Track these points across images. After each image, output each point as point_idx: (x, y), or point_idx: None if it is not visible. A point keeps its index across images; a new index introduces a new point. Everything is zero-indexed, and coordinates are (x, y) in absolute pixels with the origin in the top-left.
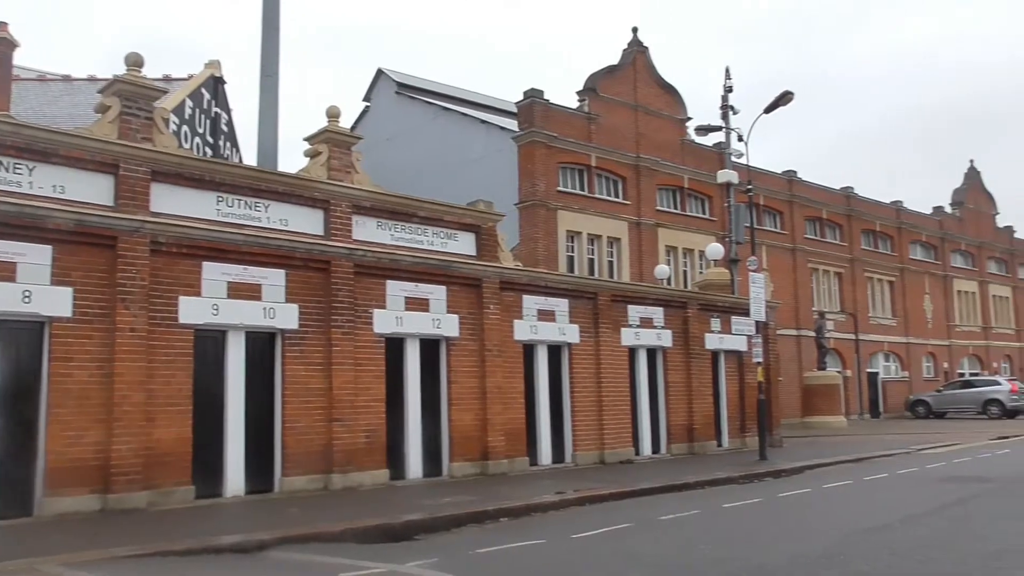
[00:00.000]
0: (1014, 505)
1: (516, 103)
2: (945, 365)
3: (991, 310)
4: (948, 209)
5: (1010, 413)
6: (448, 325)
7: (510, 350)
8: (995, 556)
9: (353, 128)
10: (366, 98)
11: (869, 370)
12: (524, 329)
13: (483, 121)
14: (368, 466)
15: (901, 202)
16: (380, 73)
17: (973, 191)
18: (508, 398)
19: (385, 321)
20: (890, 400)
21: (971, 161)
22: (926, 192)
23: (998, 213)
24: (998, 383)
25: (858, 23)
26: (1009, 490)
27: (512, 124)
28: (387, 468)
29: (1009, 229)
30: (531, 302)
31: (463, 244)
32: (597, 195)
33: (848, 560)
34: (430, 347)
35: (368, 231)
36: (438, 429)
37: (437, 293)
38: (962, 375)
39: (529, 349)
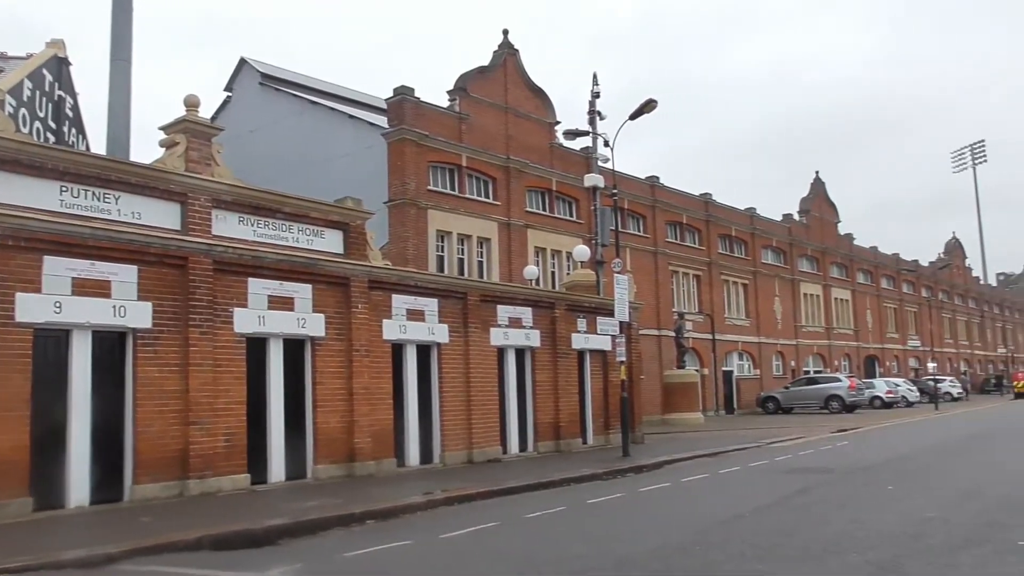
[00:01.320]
0: (850, 493)
1: (386, 100)
2: (792, 363)
3: (833, 312)
4: (796, 217)
5: (849, 408)
6: (314, 324)
7: (378, 350)
8: (834, 540)
9: (213, 119)
10: (228, 88)
11: (724, 368)
12: (393, 329)
13: (352, 116)
14: (228, 471)
15: (755, 209)
16: (243, 63)
17: (818, 200)
18: (376, 399)
19: (246, 320)
20: (744, 397)
21: (816, 172)
22: (778, 200)
23: (840, 221)
24: (838, 380)
25: (725, 39)
26: (846, 480)
27: (382, 121)
28: (248, 472)
29: (849, 236)
30: (400, 301)
31: (330, 242)
32: (468, 195)
33: (705, 550)
34: (295, 347)
35: (229, 227)
36: (302, 431)
37: (303, 292)
38: (807, 373)
39: (398, 349)
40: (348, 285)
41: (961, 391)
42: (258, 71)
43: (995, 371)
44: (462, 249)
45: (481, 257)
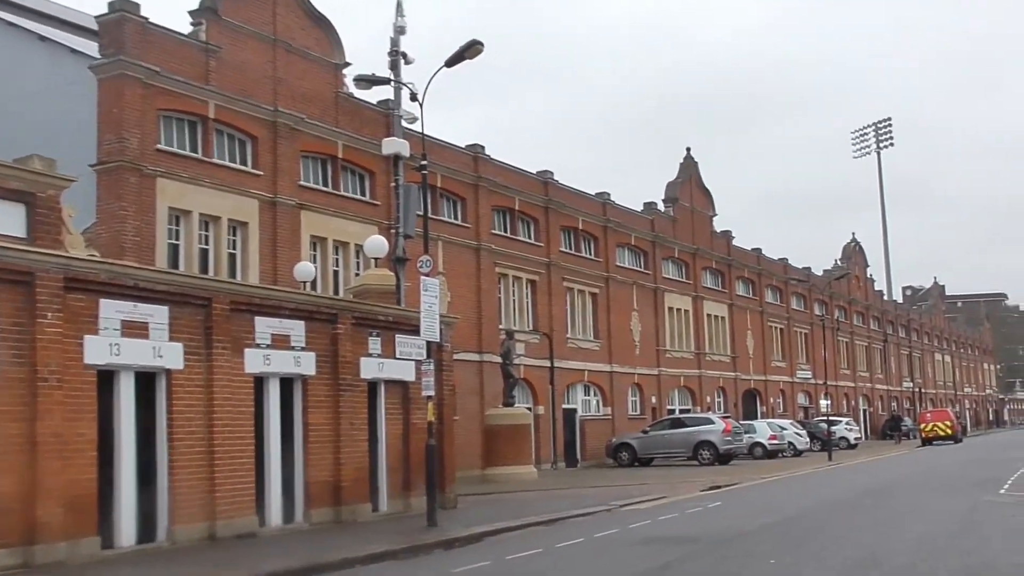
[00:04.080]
0: (723, 570)
1: (97, 17)
2: (653, 400)
3: (705, 332)
4: (661, 207)
5: (723, 457)
6: None
7: (77, 379)
8: None
9: None
10: None
11: (566, 406)
12: (100, 349)
13: (44, 38)
14: None
15: (608, 195)
16: None
17: (689, 186)
18: (72, 450)
19: None
20: (590, 443)
21: (688, 150)
22: (642, 188)
23: (715, 215)
24: (711, 422)
25: None
26: (718, 552)
27: (92, 48)
28: None
29: (727, 235)
30: (112, 309)
31: (6, 220)
32: (216, 160)
33: None
34: None
35: None
36: None
37: None
38: (672, 412)
39: (107, 378)
40: (32, 284)
41: (858, 436)
42: None
43: (895, 410)
44: (206, 236)
45: (234, 248)
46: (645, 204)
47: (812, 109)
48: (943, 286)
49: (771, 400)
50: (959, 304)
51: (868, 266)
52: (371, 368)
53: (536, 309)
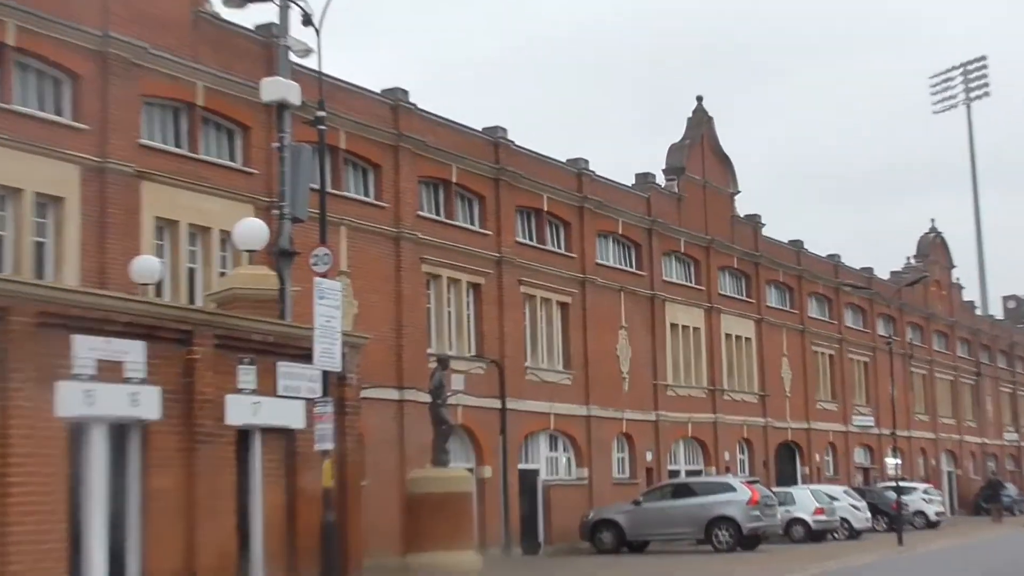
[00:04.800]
0: None
1: None
2: (648, 456)
3: (723, 359)
4: (661, 181)
5: (748, 540)
6: None
7: None
8: None
9: None
10: None
11: (523, 465)
12: None
13: None
14: None
15: (586, 162)
16: None
17: (700, 152)
18: None
19: None
20: (558, 519)
21: (699, 100)
22: (633, 154)
23: (737, 192)
24: (730, 488)
25: None
26: None
27: None
28: None
29: (755, 221)
30: None
31: None
32: (18, 107)
33: None
34: None
35: None
36: None
37: None
38: (675, 474)
39: None
40: None
41: (941, 510)
42: None
43: (994, 472)
44: (1, 217)
45: (43, 235)
46: (638, 176)
47: (868, 47)
48: None
49: (816, 457)
50: None
51: (953, 267)
52: (242, 410)
53: (481, 325)
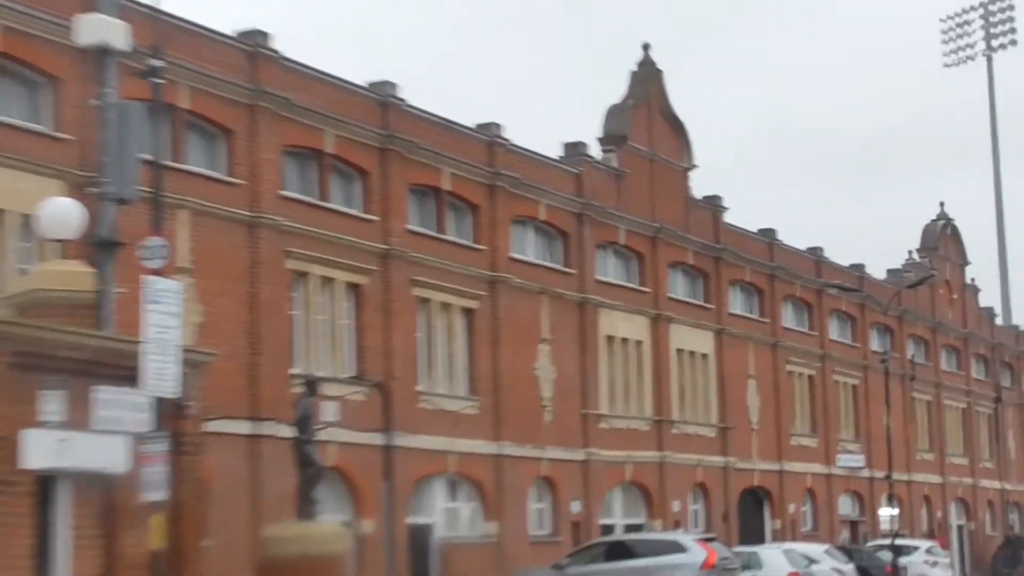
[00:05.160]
0: None
1: None
2: (576, 505)
3: (672, 378)
4: (595, 151)
5: None
6: None
7: None
8: None
9: None
10: None
11: (414, 519)
12: None
13: None
14: None
15: (499, 127)
16: None
17: (646, 115)
18: None
19: None
20: None
21: (645, 50)
22: (559, 119)
23: (693, 167)
24: (680, 548)
25: None
26: None
27: None
28: None
29: (714, 204)
30: None
31: None
32: None
33: None
34: None
35: None
36: None
37: None
38: (610, 530)
39: None
40: None
41: (949, 573)
42: None
43: (1015, 528)
44: None
45: None
46: (567, 147)
47: None
48: None
49: (790, 508)
50: None
51: (968, 263)
52: (44, 450)
53: (362, 338)
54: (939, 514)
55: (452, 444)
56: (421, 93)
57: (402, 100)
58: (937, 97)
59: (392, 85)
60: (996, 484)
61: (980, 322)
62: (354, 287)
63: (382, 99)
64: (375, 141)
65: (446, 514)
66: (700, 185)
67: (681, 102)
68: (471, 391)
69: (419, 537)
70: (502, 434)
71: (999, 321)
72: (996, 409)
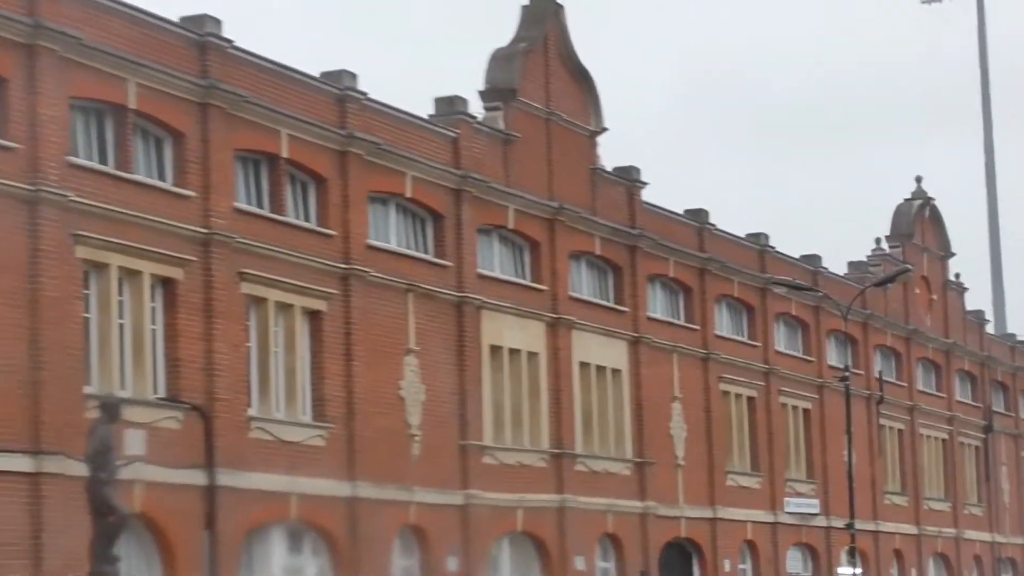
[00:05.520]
0: None
1: None
2: (453, 562)
3: (575, 395)
4: (477, 109)
5: None
6: None
7: None
8: None
9: None
10: None
11: None
12: None
13: None
14: None
15: (354, 78)
16: None
17: (543, 62)
18: None
19: None
20: None
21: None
22: (429, 69)
23: (603, 130)
24: None
25: None
26: None
27: None
28: None
29: (631, 178)
30: None
31: None
32: None
33: None
34: None
35: None
36: None
37: None
38: None
39: None
40: None
41: None
42: None
43: None
44: None
45: None
46: (440, 103)
47: None
48: None
49: (726, 565)
50: None
51: (951, 256)
52: None
53: (176, 348)
54: (913, 573)
55: (293, 484)
56: (252, 33)
57: (228, 42)
58: (913, 42)
59: (215, 21)
60: (985, 536)
61: (966, 330)
62: (165, 282)
63: (199, 39)
64: (192, 95)
65: (286, 573)
66: (612, 154)
67: (588, 46)
68: (317, 416)
69: None
70: (357, 472)
71: (990, 329)
72: (986, 440)
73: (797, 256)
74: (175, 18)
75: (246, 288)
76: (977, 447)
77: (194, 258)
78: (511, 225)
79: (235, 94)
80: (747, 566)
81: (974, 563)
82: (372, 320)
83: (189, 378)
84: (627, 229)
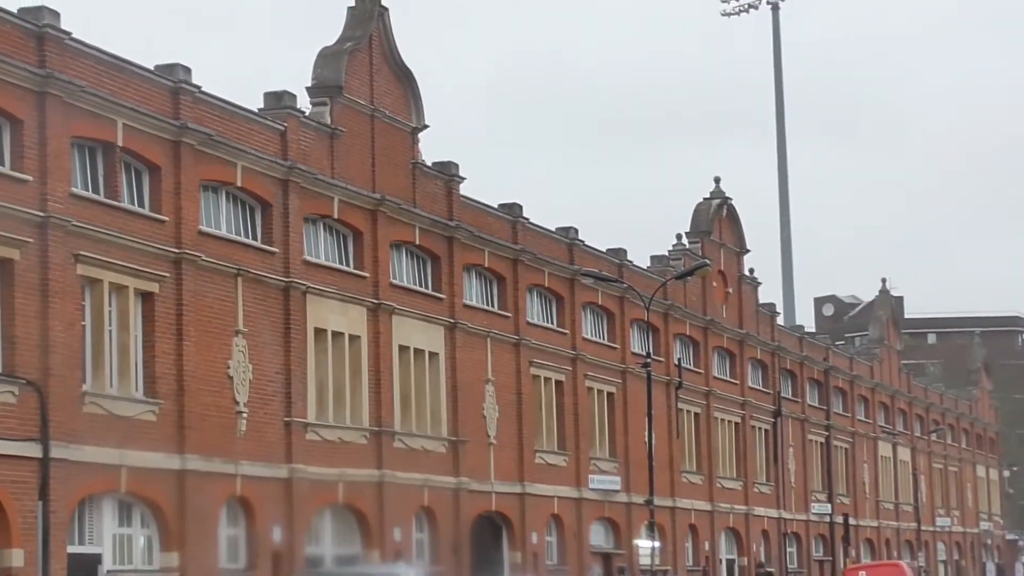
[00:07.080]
0: None
1: None
2: (278, 532)
3: (394, 377)
4: (304, 103)
5: None
6: None
7: None
8: None
9: None
10: None
11: (77, 548)
12: None
13: None
14: None
15: (189, 71)
16: None
17: (368, 56)
18: None
19: None
20: None
21: None
22: (265, 58)
23: (424, 127)
24: None
25: None
26: None
27: None
28: None
29: (448, 172)
30: None
31: None
32: None
33: None
34: None
35: None
36: None
37: None
38: (318, 561)
39: None
40: None
41: None
42: None
43: (763, 560)
44: None
45: None
46: (269, 98)
47: None
48: (899, 298)
49: (533, 537)
50: (932, 337)
51: (746, 252)
52: None
53: (12, 327)
54: (707, 546)
55: (124, 457)
56: (88, 25)
57: (66, 33)
58: (716, 52)
59: (54, 13)
60: (773, 512)
61: (758, 321)
62: (3, 263)
63: (38, 30)
64: (28, 82)
65: (116, 542)
66: (432, 150)
67: (411, 47)
68: (148, 393)
69: (83, 570)
70: (186, 446)
71: (780, 321)
72: (775, 424)
73: (604, 249)
74: (13, 9)
75: (81, 269)
76: (767, 430)
77: (31, 240)
78: (336, 215)
79: (72, 84)
80: (553, 539)
81: (762, 537)
82: (203, 302)
83: (25, 354)
84: (445, 221)
